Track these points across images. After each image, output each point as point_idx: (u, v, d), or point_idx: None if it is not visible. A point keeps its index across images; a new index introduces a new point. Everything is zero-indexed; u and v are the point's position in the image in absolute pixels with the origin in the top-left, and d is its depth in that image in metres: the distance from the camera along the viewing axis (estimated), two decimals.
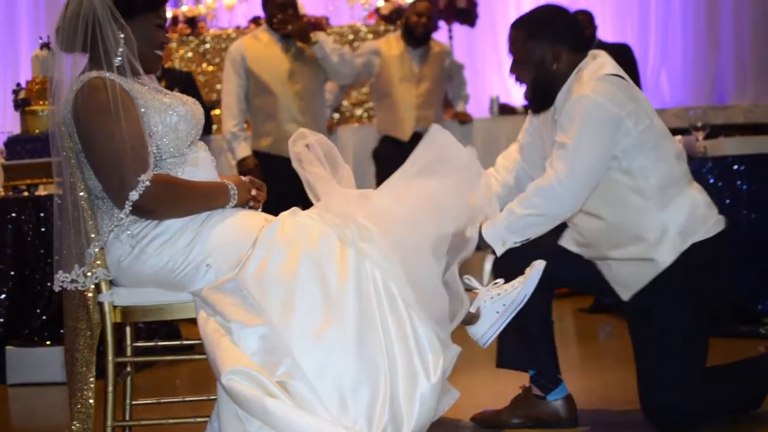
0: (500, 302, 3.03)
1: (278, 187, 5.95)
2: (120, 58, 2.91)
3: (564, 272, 3.40)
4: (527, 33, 3.33)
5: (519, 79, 3.39)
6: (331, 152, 3.08)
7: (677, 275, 3.21)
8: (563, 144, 3.17)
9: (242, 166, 6.13)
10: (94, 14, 2.90)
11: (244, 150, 6.17)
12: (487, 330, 3.03)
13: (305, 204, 3.03)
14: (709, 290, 3.30)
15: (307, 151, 3.04)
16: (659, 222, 3.21)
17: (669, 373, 3.20)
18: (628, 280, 3.29)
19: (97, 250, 2.91)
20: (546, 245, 3.38)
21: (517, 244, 3.23)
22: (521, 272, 3.13)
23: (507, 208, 3.22)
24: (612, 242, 3.27)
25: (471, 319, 2.99)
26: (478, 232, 3.20)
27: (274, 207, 3.08)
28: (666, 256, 3.20)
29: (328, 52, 6.21)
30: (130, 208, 2.83)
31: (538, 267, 3.09)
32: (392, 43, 7.02)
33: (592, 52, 3.35)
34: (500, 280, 3.13)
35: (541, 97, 3.36)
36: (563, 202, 3.18)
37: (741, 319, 4.91)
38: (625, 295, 3.31)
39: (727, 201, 4.99)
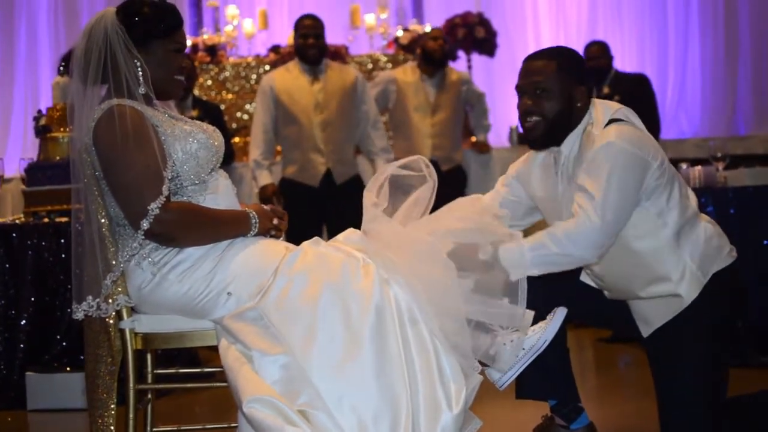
0: (520, 346, 3.02)
1: (300, 214, 6.04)
2: (142, 87, 2.93)
3: (581, 308, 3.38)
4: (557, 64, 3.23)
5: (535, 110, 3.22)
6: (418, 187, 3.03)
7: (699, 308, 3.19)
8: (592, 192, 3.10)
9: (262, 193, 6.23)
10: (108, 44, 2.92)
11: (265, 178, 6.25)
12: (506, 373, 3.03)
13: (331, 231, 3.03)
14: (729, 319, 3.30)
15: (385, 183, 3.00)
16: (678, 259, 3.19)
17: (691, 405, 3.17)
18: (651, 317, 3.26)
19: (116, 278, 2.92)
20: (563, 280, 3.37)
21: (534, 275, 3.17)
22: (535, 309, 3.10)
23: (538, 242, 3.12)
24: (637, 285, 3.25)
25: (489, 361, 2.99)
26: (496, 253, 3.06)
27: (294, 233, 3.08)
28: (690, 291, 3.19)
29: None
30: (150, 234, 2.84)
31: (560, 313, 3.08)
32: (408, 72, 7.06)
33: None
34: None
35: (554, 134, 3.25)
36: (592, 247, 3.10)
37: (762, 350, 4.89)
38: (646, 331, 3.29)
39: (748, 231, 4.98)
